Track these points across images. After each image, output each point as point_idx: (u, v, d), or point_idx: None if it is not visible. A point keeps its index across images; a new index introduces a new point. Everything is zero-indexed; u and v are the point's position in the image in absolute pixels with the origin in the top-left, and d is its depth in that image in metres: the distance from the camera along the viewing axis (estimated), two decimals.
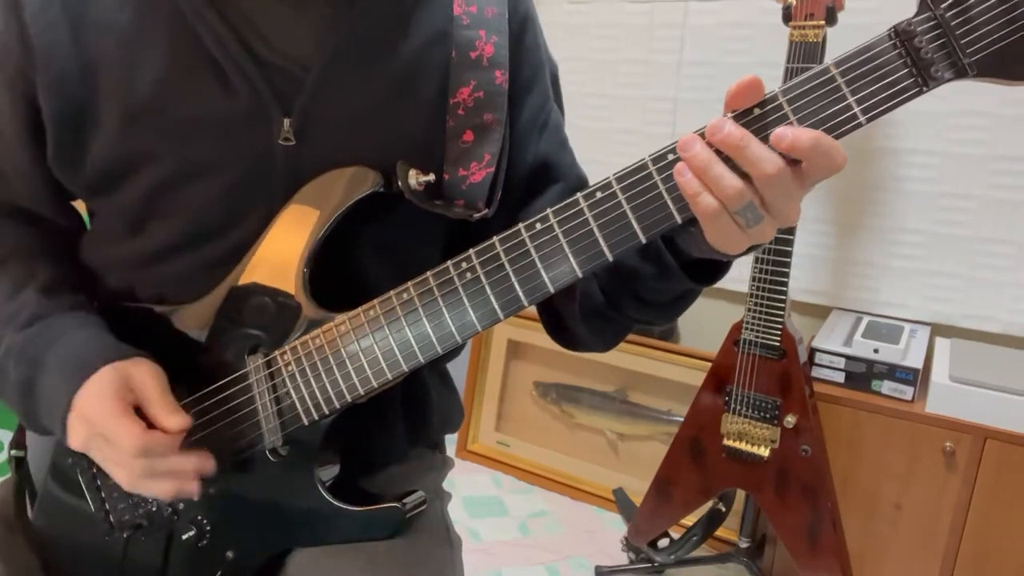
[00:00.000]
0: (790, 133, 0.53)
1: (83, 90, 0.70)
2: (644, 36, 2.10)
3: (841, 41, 1.48)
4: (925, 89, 0.52)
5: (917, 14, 0.51)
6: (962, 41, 0.50)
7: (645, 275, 0.69)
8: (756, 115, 0.56)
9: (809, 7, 1.48)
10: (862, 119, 0.53)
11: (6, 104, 0.72)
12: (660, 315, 0.76)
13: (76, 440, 0.69)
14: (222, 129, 0.70)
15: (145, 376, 0.70)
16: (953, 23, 0.50)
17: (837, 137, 0.54)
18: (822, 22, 1.47)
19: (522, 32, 0.78)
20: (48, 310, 0.75)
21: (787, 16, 1.51)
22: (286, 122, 0.70)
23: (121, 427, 0.66)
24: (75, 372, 0.70)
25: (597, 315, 0.77)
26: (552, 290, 0.65)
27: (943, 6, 0.50)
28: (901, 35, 0.52)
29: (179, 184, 0.72)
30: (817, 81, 0.54)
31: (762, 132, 0.56)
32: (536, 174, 0.79)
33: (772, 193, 0.56)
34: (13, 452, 0.85)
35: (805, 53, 1.48)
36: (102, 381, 0.69)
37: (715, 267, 0.68)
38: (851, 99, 0.53)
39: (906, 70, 0.52)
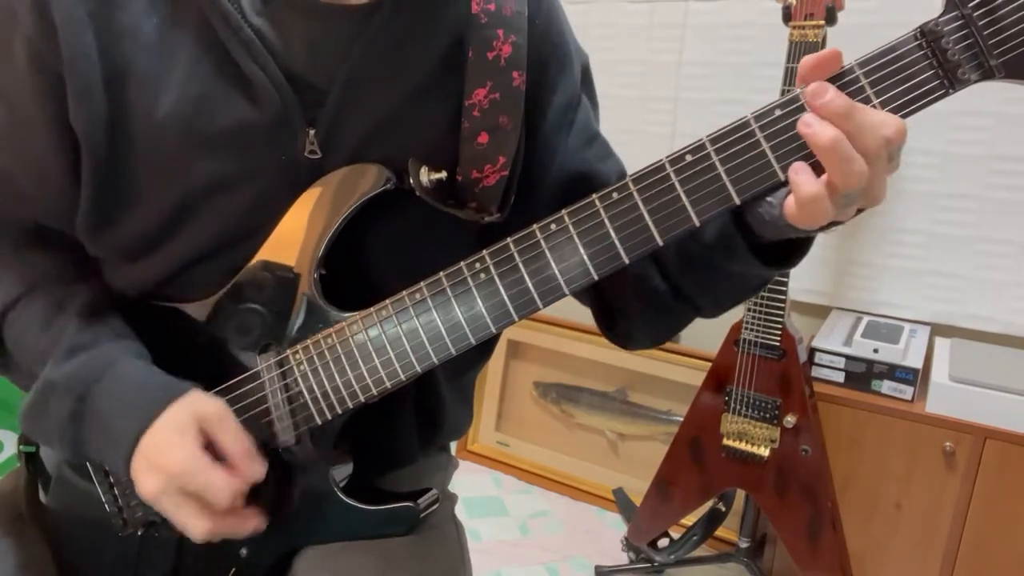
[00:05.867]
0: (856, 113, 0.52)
1: (108, 101, 0.68)
2: (644, 36, 2.10)
3: (841, 41, 1.49)
4: (951, 91, 0.52)
5: (943, 13, 0.51)
6: (990, 42, 0.50)
7: (716, 262, 0.67)
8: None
9: (809, 7, 1.48)
10: None
11: (38, 111, 0.69)
12: (726, 302, 0.75)
13: (149, 489, 0.66)
14: (248, 142, 0.69)
15: (221, 416, 0.68)
16: (981, 23, 0.50)
17: None
18: (822, 22, 1.47)
19: (546, 29, 0.77)
20: (88, 339, 0.72)
21: (787, 16, 1.51)
22: (311, 133, 0.69)
23: (215, 479, 0.64)
24: (137, 408, 0.67)
25: (655, 306, 0.75)
26: (567, 292, 0.64)
27: (970, 5, 0.50)
28: (927, 35, 0.51)
29: (204, 198, 0.70)
30: (841, 81, 0.53)
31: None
32: (570, 177, 0.78)
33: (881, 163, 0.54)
34: (22, 447, 0.84)
35: (805, 53, 1.47)
36: (178, 423, 0.66)
37: (788, 250, 0.65)
38: (875, 101, 0.53)
39: (932, 71, 0.52)
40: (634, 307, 0.78)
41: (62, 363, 0.71)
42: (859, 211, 0.58)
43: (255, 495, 0.69)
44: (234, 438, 0.67)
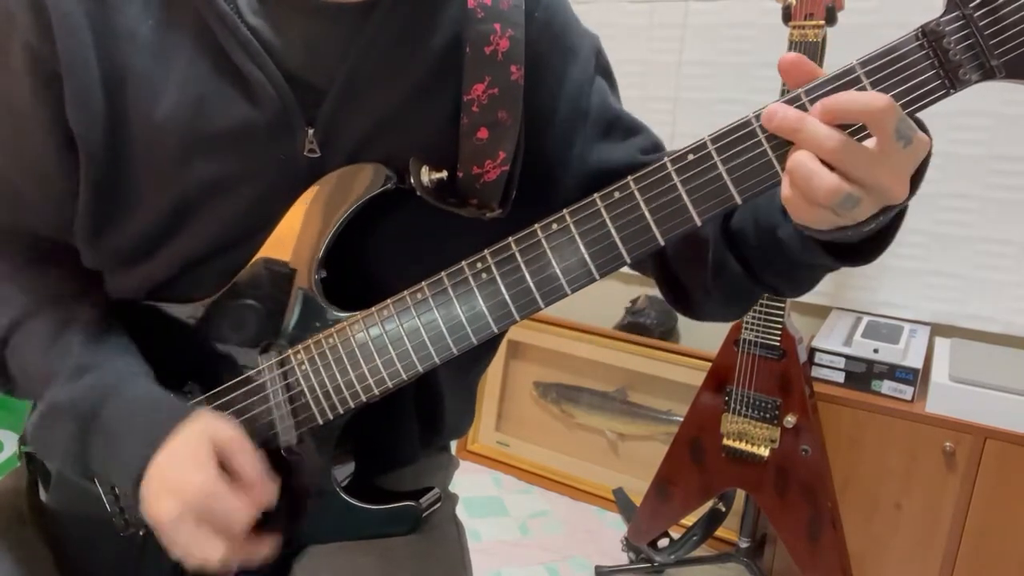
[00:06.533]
0: (818, 104, 0.53)
1: (106, 103, 0.68)
2: (644, 36, 2.10)
3: (841, 41, 1.49)
4: (952, 91, 0.52)
5: (944, 13, 0.51)
6: (991, 42, 0.50)
7: (793, 256, 0.66)
8: None
9: (809, 7, 1.47)
10: None
11: (35, 112, 0.69)
12: (802, 286, 0.73)
13: (165, 513, 0.64)
14: (247, 142, 0.69)
15: (236, 439, 0.67)
16: (982, 23, 0.50)
17: (863, 138, 0.53)
18: (822, 22, 1.47)
19: (548, 20, 0.76)
20: (92, 360, 0.71)
21: (787, 16, 1.51)
22: (310, 132, 0.69)
23: (236, 503, 0.64)
24: (147, 430, 0.67)
25: (734, 288, 0.74)
26: (569, 292, 0.64)
27: (971, 5, 0.50)
28: (929, 35, 0.51)
29: (204, 200, 0.70)
30: (842, 81, 0.53)
31: None
32: (590, 174, 0.77)
33: (852, 167, 0.52)
34: (23, 447, 0.84)
35: (805, 53, 1.47)
36: (193, 447, 0.65)
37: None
38: None
39: (933, 71, 0.52)
40: (713, 288, 0.75)
41: (66, 384, 0.70)
42: (888, 209, 0.56)
43: (266, 522, 0.68)
44: (250, 462, 0.66)
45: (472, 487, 2.28)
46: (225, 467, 0.66)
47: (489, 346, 0.84)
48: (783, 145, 0.56)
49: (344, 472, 0.78)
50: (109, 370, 0.71)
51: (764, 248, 0.68)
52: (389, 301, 0.69)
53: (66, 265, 0.77)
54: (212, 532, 0.64)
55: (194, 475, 0.64)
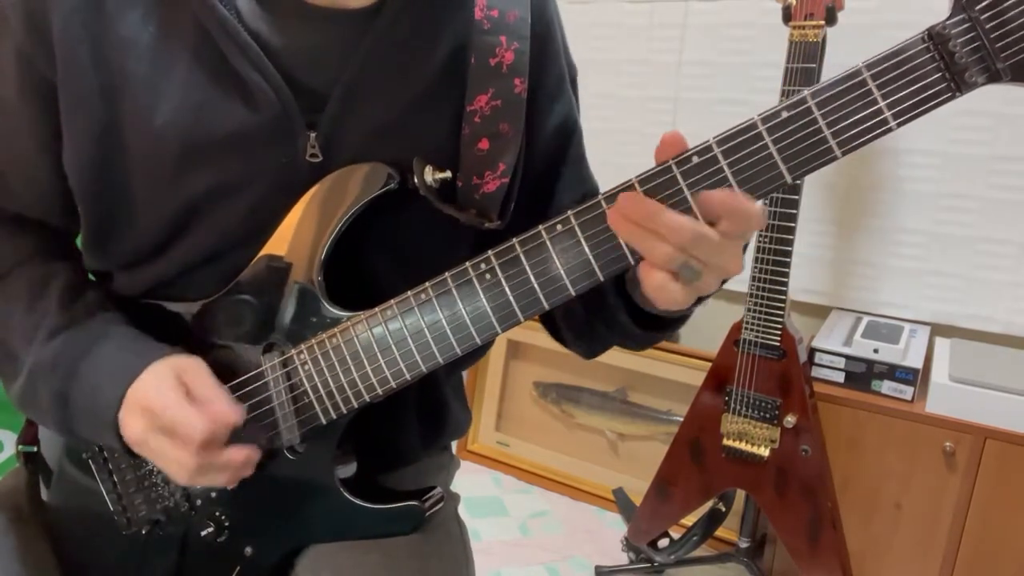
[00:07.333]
0: (704, 198, 0.57)
1: (105, 112, 0.68)
2: (644, 36, 2.10)
3: (841, 41, 1.49)
4: (958, 94, 0.52)
5: (951, 16, 0.51)
6: (997, 45, 0.50)
7: (614, 308, 0.71)
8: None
9: (809, 7, 1.48)
10: (893, 123, 0.53)
11: (30, 116, 0.70)
12: (631, 345, 0.78)
13: (132, 433, 0.67)
14: (248, 147, 0.69)
15: (197, 367, 0.70)
16: (988, 26, 0.50)
17: (868, 141, 0.54)
18: (822, 22, 1.47)
19: (547, 37, 0.77)
20: (69, 319, 0.73)
21: (787, 16, 1.51)
22: (312, 137, 0.69)
23: (188, 415, 0.65)
24: (122, 372, 0.69)
25: (580, 327, 0.79)
26: (573, 292, 0.64)
27: (977, 8, 0.50)
28: (935, 38, 0.51)
29: (205, 205, 0.71)
30: (848, 84, 0.53)
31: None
32: (564, 183, 0.80)
33: (702, 253, 0.57)
34: (21, 447, 0.85)
35: (805, 53, 1.48)
36: (159, 373, 0.68)
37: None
38: (882, 103, 0.53)
39: (939, 74, 0.52)
40: (563, 320, 0.82)
41: (45, 344, 0.72)
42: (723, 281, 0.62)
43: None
44: (205, 383, 0.69)
45: (472, 487, 2.28)
46: (191, 395, 0.68)
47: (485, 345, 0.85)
48: (789, 148, 0.56)
49: (346, 471, 0.78)
50: (82, 329, 0.73)
51: (596, 302, 0.73)
52: (392, 302, 0.69)
53: (44, 227, 0.79)
54: (178, 443, 0.66)
55: (154, 394, 0.67)
